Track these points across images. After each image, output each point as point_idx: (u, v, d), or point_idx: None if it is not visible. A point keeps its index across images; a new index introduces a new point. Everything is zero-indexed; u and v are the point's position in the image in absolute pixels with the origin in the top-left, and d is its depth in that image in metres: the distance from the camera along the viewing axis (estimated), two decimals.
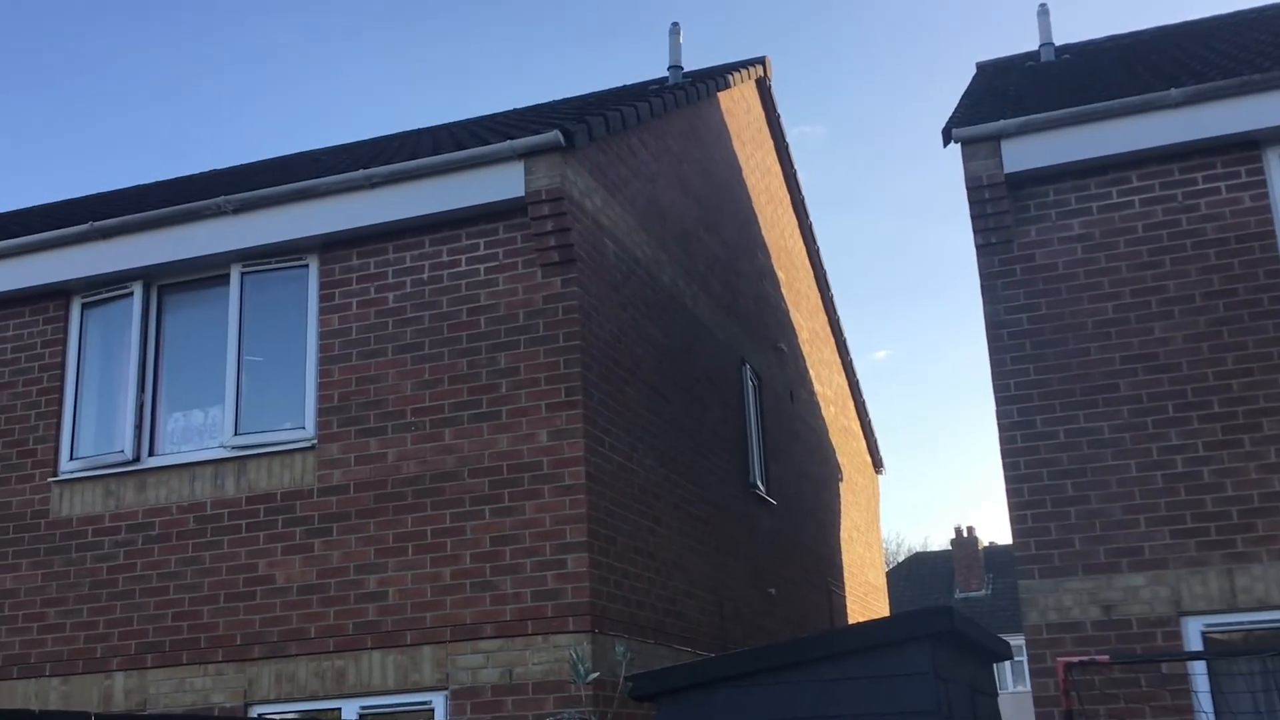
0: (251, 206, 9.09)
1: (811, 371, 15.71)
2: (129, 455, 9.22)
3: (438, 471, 8.42)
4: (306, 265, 9.17)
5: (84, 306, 9.78)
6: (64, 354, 9.70)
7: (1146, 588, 7.76)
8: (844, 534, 16.37)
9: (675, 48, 13.03)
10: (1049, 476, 8.09)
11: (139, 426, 9.30)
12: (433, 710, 8.11)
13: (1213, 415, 7.90)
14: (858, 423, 18.44)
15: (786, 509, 13.50)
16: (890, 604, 20.77)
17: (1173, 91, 8.13)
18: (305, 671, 8.38)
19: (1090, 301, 8.30)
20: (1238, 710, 7.44)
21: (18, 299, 9.84)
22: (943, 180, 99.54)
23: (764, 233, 14.28)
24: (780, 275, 14.75)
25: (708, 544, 10.66)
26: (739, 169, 13.63)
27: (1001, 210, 8.48)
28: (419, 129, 13.63)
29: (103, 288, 9.69)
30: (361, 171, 8.81)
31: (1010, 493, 8.17)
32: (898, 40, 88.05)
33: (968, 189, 8.50)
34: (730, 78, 13.16)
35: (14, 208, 15.06)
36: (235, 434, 8.99)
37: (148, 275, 9.52)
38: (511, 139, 8.59)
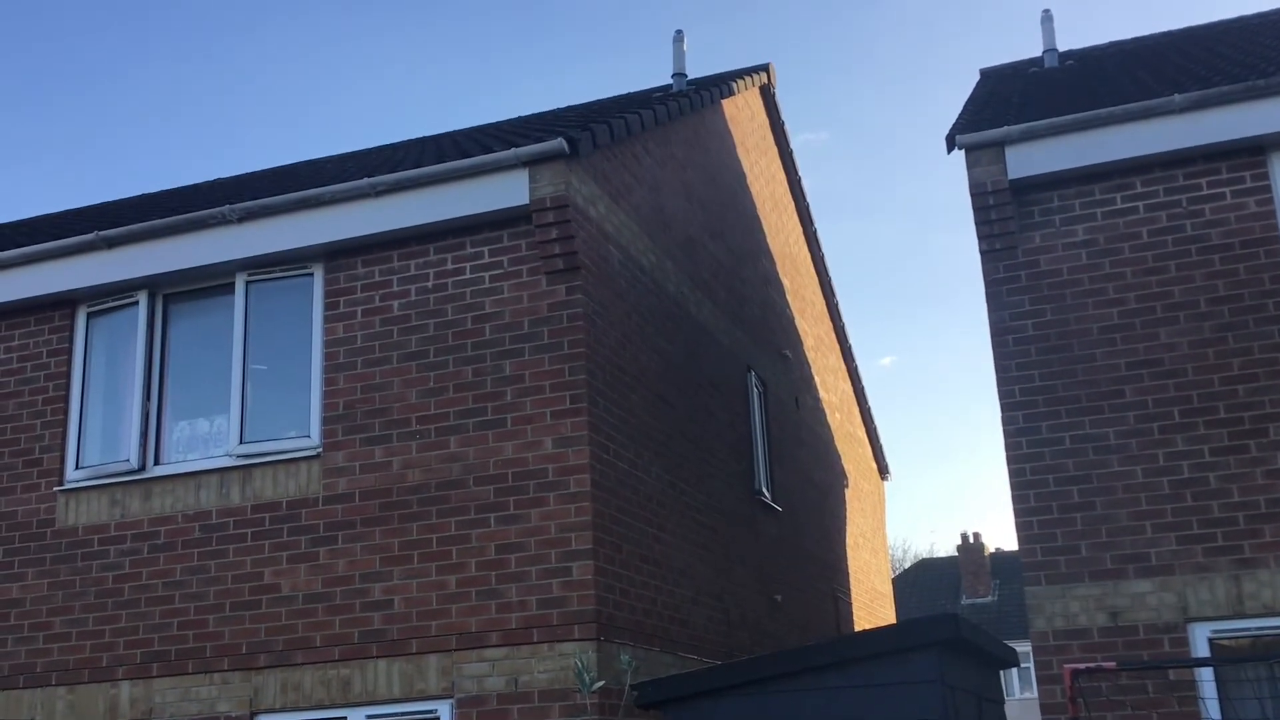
0: (256, 215, 9.11)
1: (817, 378, 15.70)
2: (134, 464, 9.23)
3: (443, 479, 8.43)
4: (311, 274, 9.18)
5: (89, 316, 9.80)
6: (69, 363, 9.71)
7: (1153, 594, 7.74)
8: (850, 540, 16.35)
9: (679, 55, 13.04)
10: (1055, 483, 8.08)
11: (144, 435, 9.31)
12: (438, 719, 8.10)
13: (1219, 421, 7.89)
14: (863, 429, 18.43)
15: (792, 515, 13.49)
16: (896, 610, 20.73)
17: (1176, 97, 8.13)
18: (311, 680, 8.38)
19: (1095, 307, 8.29)
20: (1245, 716, 7.42)
21: (24, 308, 9.86)
22: (947, 187, 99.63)
23: (769, 239, 14.29)
24: (785, 282, 14.75)
25: (713, 551, 10.65)
26: (743, 176, 13.63)
27: (1006, 216, 8.47)
28: (423, 137, 13.66)
29: (108, 297, 9.71)
30: (366, 180, 8.82)
31: (1016, 499, 8.16)
32: (901, 47, 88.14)
33: (972, 195, 8.50)
34: (734, 85, 13.17)
35: (20, 217, 15.10)
36: (240, 442, 9.00)
37: (153, 284, 9.54)
38: (516, 147, 8.60)
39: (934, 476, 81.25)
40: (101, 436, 9.55)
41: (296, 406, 8.98)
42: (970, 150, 8.50)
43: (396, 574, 8.35)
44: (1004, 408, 8.31)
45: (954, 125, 8.99)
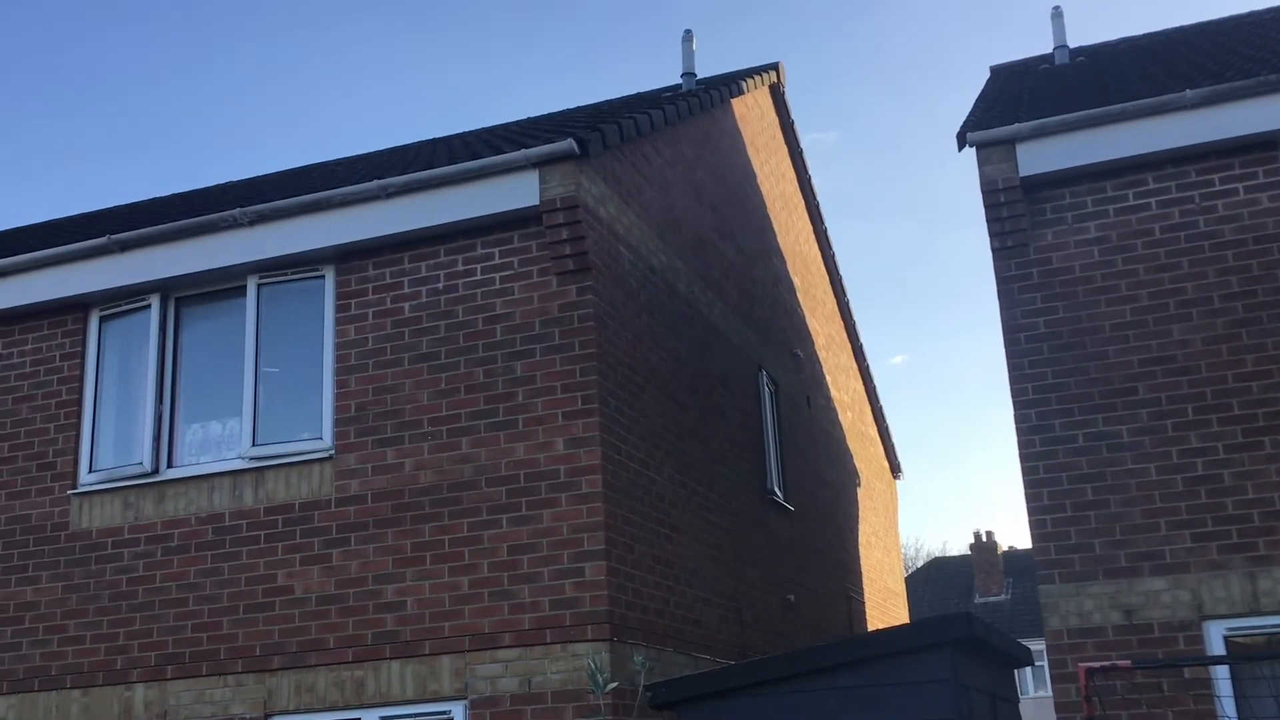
0: (267, 218, 9.13)
1: (828, 377, 15.68)
2: (148, 467, 9.25)
3: (455, 481, 8.43)
4: (323, 276, 9.20)
5: (102, 319, 9.83)
6: (82, 367, 9.75)
7: (1168, 592, 7.71)
8: (862, 539, 16.33)
9: (688, 55, 13.03)
10: (1068, 481, 8.05)
11: (157, 438, 9.34)
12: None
13: (1233, 418, 7.86)
14: (875, 428, 18.40)
15: (804, 515, 13.47)
16: (910, 609, 20.69)
17: (1188, 93, 8.09)
18: (324, 682, 8.39)
19: (1108, 304, 8.26)
20: (1261, 714, 7.38)
21: (36, 312, 9.90)
22: (958, 185, 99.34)
23: (779, 239, 14.27)
24: (796, 281, 14.73)
25: (726, 551, 10.64)
26: (753, 175, 13.62)
27: (1017, 214, 8.45)
28: (433, 139, 13.67)
29: (120, 300, 9.73)
30: (376, 182, 8.83)
31: (1029, 497, 8.14)
32: (910, 45, 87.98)
33: (983, 193, 8.47)
34: (744, 84, 13.16)
35: (32, 221, 15.16)
36: (253, 445, 9.02)
37: (165, 287, 9.56)
38: (526, 148, 8.61)
39: (946, 475, 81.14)
40: (114, 440, 9.57)
41: (309, 409, 8.99)
42: (981, 148, 8.48)
43: (409, 575, 8.36)
44: (1016, 405, 8.29)
45: (965, 123, 8.96)
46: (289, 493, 8.83)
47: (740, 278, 12.43)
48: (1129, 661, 6.82)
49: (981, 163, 8.49)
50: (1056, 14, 12.64)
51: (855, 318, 17.38)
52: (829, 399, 15.59)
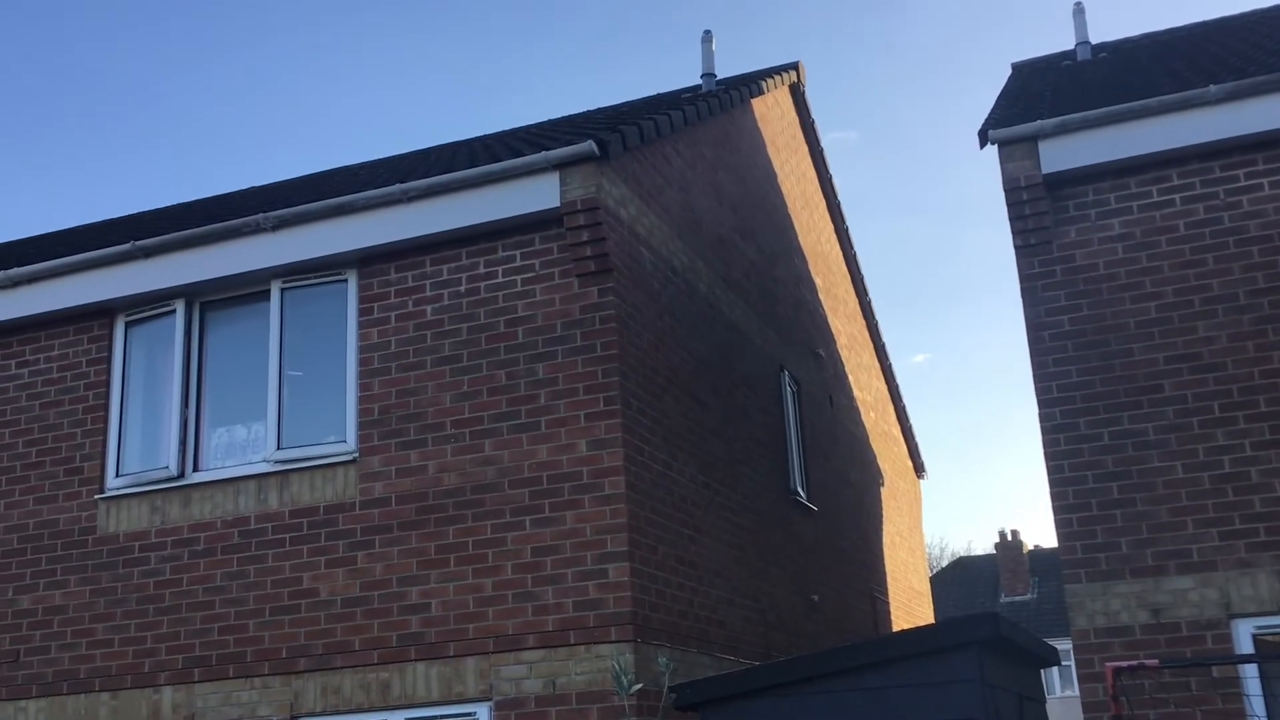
0: (290, 223, 9.18)
1: (850, 376, 15.64)
2: (174, 471, 9.31)
3: (478, 483, 8.45)
4: (345, 280, 9.24)
5: (128, 325, 9.90)
6: (109, 372, 9.82)
7: (1195, 590, 7.66)
8: (886, 539, 16.28)
9: (708, 55, 13.03)
10: (1094, 479, 8.01)
11: (183, 442, 9.40)
12: None
13: (1259, 414, 7.80)
14: (898, 427, 18.34)
15: (828, 515, 13.44)
16: (935, 609, 20.61)
17: (1212, 88, 8.04)
18: (350, 684, 8.42)
19: (1132, 302, 8.21)
20: None
21: (63, 318, 9.98)
22: (980, 183, 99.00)
23: (800, 238, 14.25)
24: (817, 280, 14.70)
25: (749, 551, 10.63)
26: (774, 175, 13.60)
27: (1040, 211, 8.41)
28: (454, 142, 13.71)
29: (146, 306, 9.80)
30: (398, 186, 8.87)
31: (1055, 496, 8.09)
32: (931, 43, 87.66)
33: (1005, 190, 8.44)
34: (764, 84, 13.15)
35: (57, 229, 15.28)
36: (278, 448, 9.06)
37: (190, 293, 9.63)
38: (546, 150, 8.62)
39: (970, 474, 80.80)
40: (141, 444, 9.64)
41: (332, 412, 9.03)
42: (1003, 145, 8.44)
43: (433, 577, 8.39)
44: (1041, 404, 8.25)
45: (986, 120, 8.93)
46: (313, 496, 8.88)
47: (762, 278, 12.42)
48: (1156, 661, 6.78)
49: (1004, 160, 8.45)
50: (1078, 10, 12.58)
51: (877, 317, 17.33)
52: (851, 398, 15.55)
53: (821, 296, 14.78)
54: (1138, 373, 8.08)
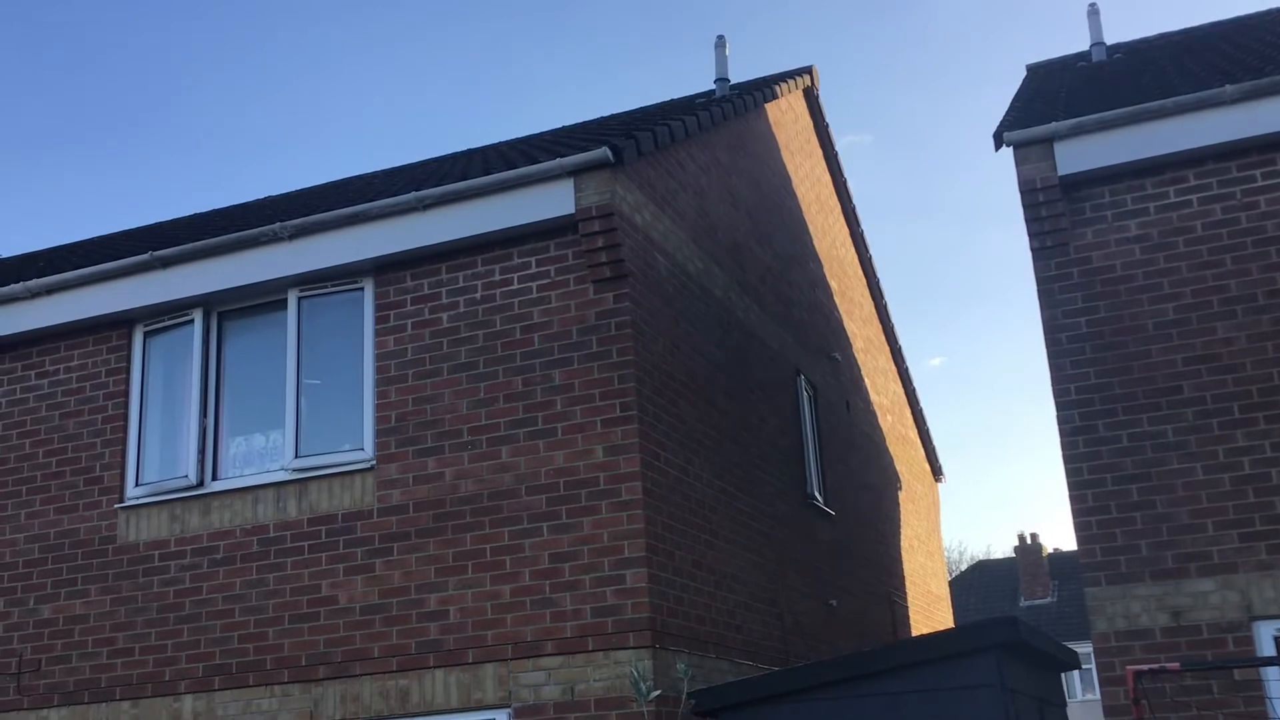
0: (307, 232, 9.21)
1: (867, 380, 15.61)
2: (193, 480, 9.35)
3: (495, 489, 8.47)
4: (362, 288, 9.27)
5: (146, 335, 9.96)
6: (128, 382, 9.87)
7: (1216, 593, 7.62)
8: (904, 543, 16.23)
9: (722, 60, 13.04)
10: (1113, 482, 7.97)
11: (202, 452, 9.44)
12: None
13: (1279, 416, 7.75)
14: (915, 431, 18.30)
15: (845, 519, 13.41)
16: (954, 613, 20.56)
17: (1228, 88, 8.01)
18: (370, 691, 8.44)
19: (1150, 303, 8.18)
20: None
21: (82, 329, 10.04)
22: (996, 185, 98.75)
23: (815, 242, 14.24)
24: (833, 284, 14.69)
25: (767, 556, 10.61)
26: (789, 179, 13.60)
27: (1056, 213, 8.38)
28: (468, 149, 13.75)
29: (164, 316, 9.85)
30: (413, 194, 8.89)
31: (1074, 499, 8.06)
32: (945, 46, 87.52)
33: (1021, 193, 8.42)
34: (777, 88, 13.15)
35: (75, 239, 15.38)
36: (296, 456, 9.09)
37: (207, 302, 9.67)
38: (561, 157, 8.64)
39: (989, 478, 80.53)
40: (160, 453, 9.69)
41: (350, 420, 9.06)
42: (1019, 147, 8.43)
43: (451, 584, 8.40)
44: (1059, 406, 8.22)
45: (1001, 122, 8.91)
46: (332, 504, 8.90)
47: (777, 282, 12.41)
48: (1178, 664, 6.74)
49: (1019, 162, 8.43)
50: (1093, 11, 12.54)
51: (893, 320, 17.30)
52: (868, 402, 15.52)
53: (837, 300, 14.76)
54: (1156, 374, 8.05)
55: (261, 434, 9.44)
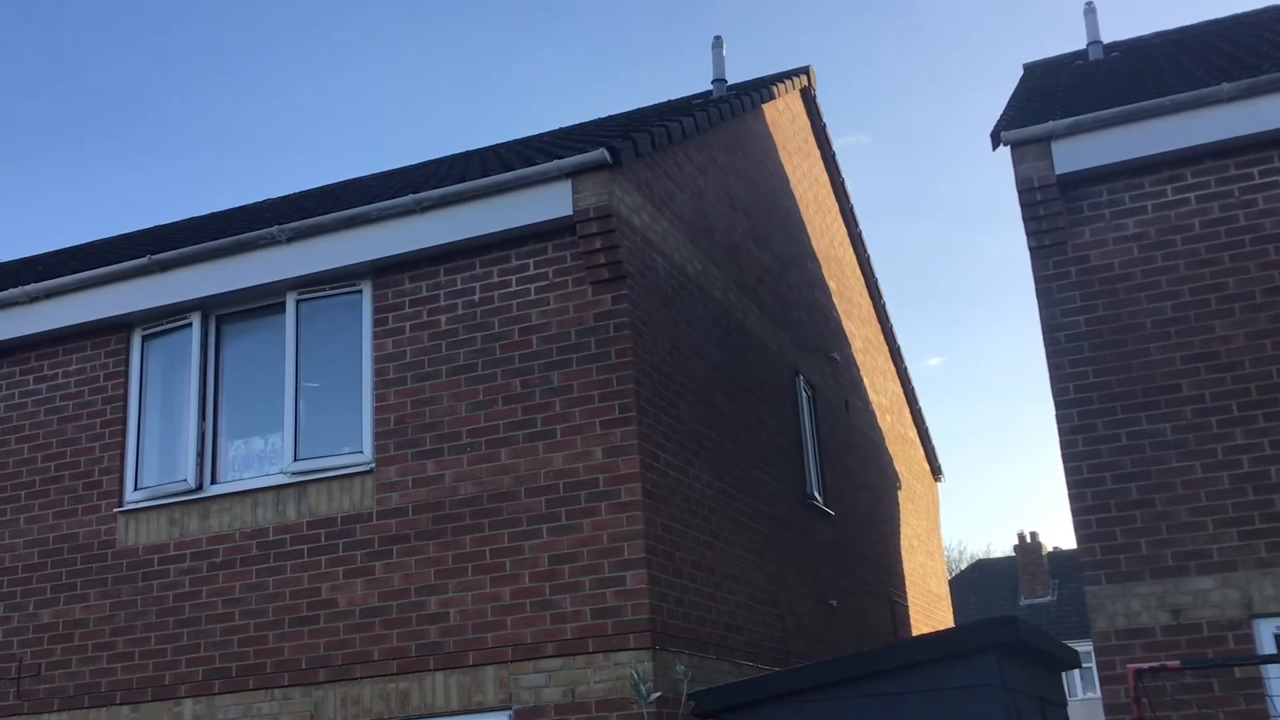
0: (305, 235, 9.21)
1: (866, 380, 15.61)
2: (192, 484, 9.35)
3: (495, 491, 8.46)
4: (360, 291, 9.27)
5: (144, 338, 9.95)
6: (126, 386, 9.86)
7: (1216, 590, 7.62)
8: (904, 543, 16.23)
9: (718, 61, 13.04)
10: (1112, 480, 7.97)
11: (201, 455, 9.43)
12: None
13: (1278, 413, 7.75)
14: (914, 430, 18.30)
15: (845, 519, 13.41)
16: (954, 612, 20.55)
17: (1225, 86, 8.01)
18: (370, 694, 8.44)
19: (1148, 301, 8.18)
20: None
21: (80, 333, 10.03)
22: (993, 184, 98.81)
23: (813, 242, 14.23)
24: (831, 284, 14.69)
25: (767, 557, 10.61)
26: (786, 180, 13.60)
27: (1054, 212, 8.39)
28: (466, 151, 13.75)
29: (162, 319, 9.85)
30: (411, 196, 8.89)
31: (1073, 498, 8.06)
32: (941, 46, 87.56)
33: (1019, 192, 8.42)
34: (774, 89, 13.15)
35: (73, 243, 15.37)
36: (295, 460, 9.09)
37: (205, 306, 9.67)
38: (558, 158, 8.64)
39: (988, 477, 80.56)
40: (159, 457, 9.69)
41: (349, 423, 9.05)
42: (1016, 146, 8.43)
43: (451, 587, 8.40)
44: (1058, 405, 8.22)
45: (998, 121, 8.91)
46: (331, 507, 8.90)
47: (775, 282, 12.41)
48: (1178, 662, 6.75)
49: (1016, 161, 8.44)
50: (1089, 10, 12.55)
51: (891, 320, 17.30)
52: (867, 402, 15.52)
53: (835, 300, 14.76)
54: (1155, 372, 8.05)
55: (260, 437, 9.44)
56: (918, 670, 6.05)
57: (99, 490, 9.66)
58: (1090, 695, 35.92)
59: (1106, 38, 12.72)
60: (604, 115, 14.16)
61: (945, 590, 19.12)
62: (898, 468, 16.55)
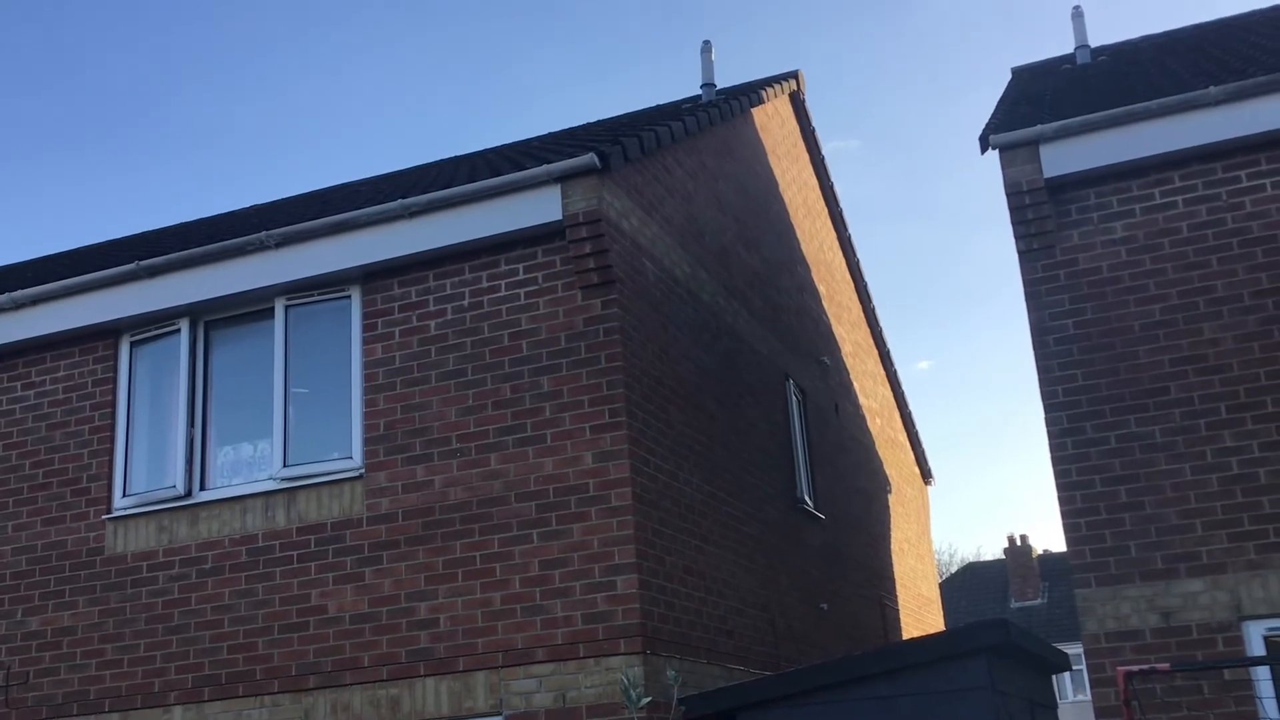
0: (293, 240, 9.19)
1: (856, 384, 15.63)
2: (181, 490, 9.32)
3: (485, 497, 8.45)
4: (349, 296, 9.25)
5: (133, 344, 9.92)
6: (114, 392, 9.83)
7: (1205, 593, 7.64)
8: (895, 546, 16.25)
9: (708, 65, 13.05)
10: (1102, 483, 7.99)
11: (190, 461, 9.40)
12: None
13: (1266, 415, 7.78)
14: (904, 434, 18.32)
15: (836, 523, 13.42)
16: (945, 615, 20.57)
17: (1212, 89, 8.04)
18: (360, 700, 8.41)
19: (1137, 304, 8.20)
20: None
21: (68, 339, 10.00)
22: (982, 188, 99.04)
23: (803, 246, 14.25)
24: (821, 289, 14.70)
25: (757, 561, 10.61)
26: (775, 184, 13.61)
27: (1043, 215, 8.41)
28: (454, 156, 13.74)
29: (150, 325, 9.82)
30: (400, 201, 8.88)
31: (1063, 501, 8.08)
32: (929, 49, 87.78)
33: (1007, 195, 8.44)
34: (764, 93, 13.16)
35: (61, 249, 15.33)
36: (284, 465, 9.06)
37: (194, 312, 9.64)
38: (547, 163, 8.64)
39: (978, 480, 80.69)
40: (148, 464, 9.65)
41: (338, 428, 9.04)
42: (1004, 150, 8.45)
43: (441, 592, 8.38)
44: (1047, 408, 8.24)
45: (987, 125, 8.93)
46: (320, 512, 8.88)
47: (765, 286, 12.42)
48: (1168, 665, 6.76)
49: (1005, 165, 8.45)
50: (1077, 14, 12.59)
51: (881, 324, 17.32)
52: (857, 406, 15.53)
53: (825, 304, 14.78)
54: (1143, 375, 8.07)
55: (249, 443, 9.41)
56: (909, 673, 6.05)
57: (87, 497, 9.63)
58: (1080, 698, 35.96)
59: (1094, 42, 12.76)
60: (593, 119, 14.17)
61: (936, 593, 19.14)
62: (888, 471, 16.57)
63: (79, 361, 9.97)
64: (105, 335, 9.94)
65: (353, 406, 9.00)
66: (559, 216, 8.54)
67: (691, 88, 14.47)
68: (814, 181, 15.40)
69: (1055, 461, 8.14)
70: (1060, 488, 8.10)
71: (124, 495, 9.57)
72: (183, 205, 79.68)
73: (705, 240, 10.86)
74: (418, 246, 8.93)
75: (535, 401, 8.49)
